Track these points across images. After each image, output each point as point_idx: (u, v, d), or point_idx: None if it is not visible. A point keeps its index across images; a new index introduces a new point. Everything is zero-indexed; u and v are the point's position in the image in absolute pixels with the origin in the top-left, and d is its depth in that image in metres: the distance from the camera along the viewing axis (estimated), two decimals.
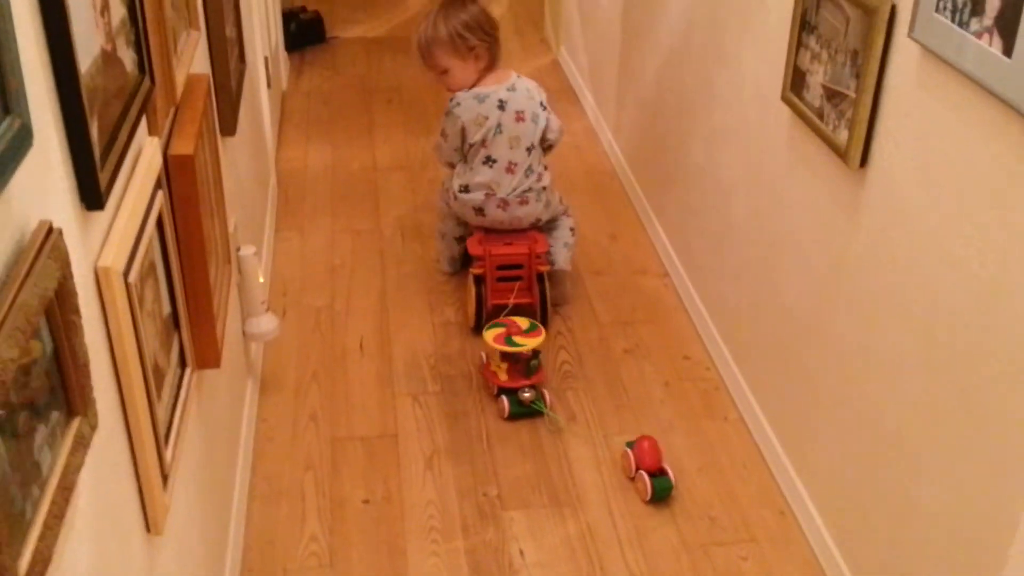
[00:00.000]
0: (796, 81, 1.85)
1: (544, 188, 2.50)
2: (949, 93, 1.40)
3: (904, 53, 1.50)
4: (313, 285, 2.70)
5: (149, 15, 1.26)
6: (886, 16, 1.52)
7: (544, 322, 2.49)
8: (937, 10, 1.38)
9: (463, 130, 2.46)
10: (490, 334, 2.27)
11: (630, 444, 2.07)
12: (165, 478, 1.24)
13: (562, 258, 2.61)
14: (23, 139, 0.79)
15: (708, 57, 2.39)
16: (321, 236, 2.93)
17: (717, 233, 2.38)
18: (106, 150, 1.04)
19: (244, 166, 2.35)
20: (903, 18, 1.50)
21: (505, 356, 2.26)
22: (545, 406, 2.23)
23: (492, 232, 2.51)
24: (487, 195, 2.46)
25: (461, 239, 2.65)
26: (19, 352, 0.76)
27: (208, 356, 1.56)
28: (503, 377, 2.25)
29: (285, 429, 2.20)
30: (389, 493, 2.03)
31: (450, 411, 2.26)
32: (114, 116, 1.10)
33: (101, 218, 1.07)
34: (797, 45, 1.83)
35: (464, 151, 2.49)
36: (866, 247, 1.66)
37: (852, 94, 1.63)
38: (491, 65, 2.50)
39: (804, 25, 1.80)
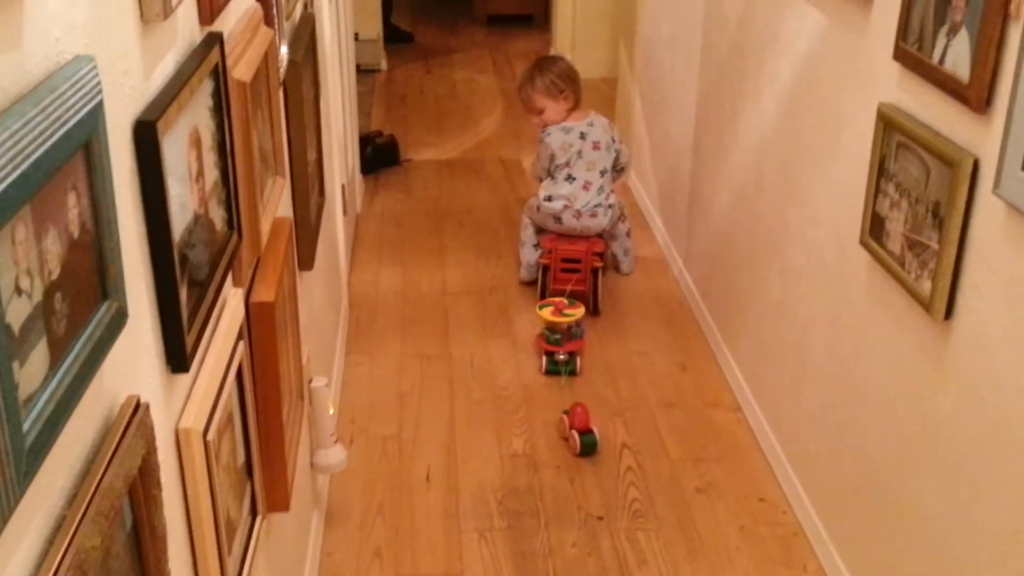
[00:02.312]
0: (875, 226, 1.83)
1: (611, 205, 3.15)
2: None
3: (989, 208, 1.47)
4: (381, 412, 2.70)
5: (240, 174, 1.30)
6: (969, 170, 1.50)
7: (596, 308, 3.13)
8: (1023, 168, 1.36)
9: (552, 155, 3.13)
10: (543, 309, 2.91)
11: (566, 411, 2.54)
12: None
13: (626, 264, 3.37)
14: (119, 322, 0.81)
15: (781, 194, 2.38)
16: (391, 361, 2.94)
17: (793, 371, 2.32)
18: (193, 312, 1.07)
19: (319, 296, 2.39)
20: (987, 173, 1.48)
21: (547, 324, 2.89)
22: (575, 369, 2.83)
23: (563, 236, 3.15)
24: (565, 206, 3.11)
25: (537, 246, 3.26)
26: (102, 539, 0.76)
27: (278, 500, 1.55)
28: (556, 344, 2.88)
29: (349, 565, 2.16)
30: None
31: (517, 550, 2.20)
32: (203, 276, 1.12)
33: (184, 378, 1.08)
34: (875, 191, 1.81)
35: (551, 170, 3.15)
36: (954, 403, 1.60)
37: (935, 245, 1.60)
38: (576, 105, 3.18)
39: (882, 172, 1.79)
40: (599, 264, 3.13)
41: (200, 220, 1.12)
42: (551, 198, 3.13)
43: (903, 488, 1.78)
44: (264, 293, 1.45)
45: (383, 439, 2.59)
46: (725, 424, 2.65)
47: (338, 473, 2.38)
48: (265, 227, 1.48)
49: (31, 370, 0.66)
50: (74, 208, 0.72)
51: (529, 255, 3.28)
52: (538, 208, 3.18)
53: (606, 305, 3.24)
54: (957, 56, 1.53)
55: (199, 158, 1.12)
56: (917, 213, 1.66)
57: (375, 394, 2.79)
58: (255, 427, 1.42)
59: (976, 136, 1.50)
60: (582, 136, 3.11)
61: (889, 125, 1.75)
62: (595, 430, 2.49)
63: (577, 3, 5.71)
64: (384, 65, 5.78)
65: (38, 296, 0.66)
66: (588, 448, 2.48)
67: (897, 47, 1.73)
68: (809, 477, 2.24)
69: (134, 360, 0.91)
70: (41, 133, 0.65)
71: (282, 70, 1.81)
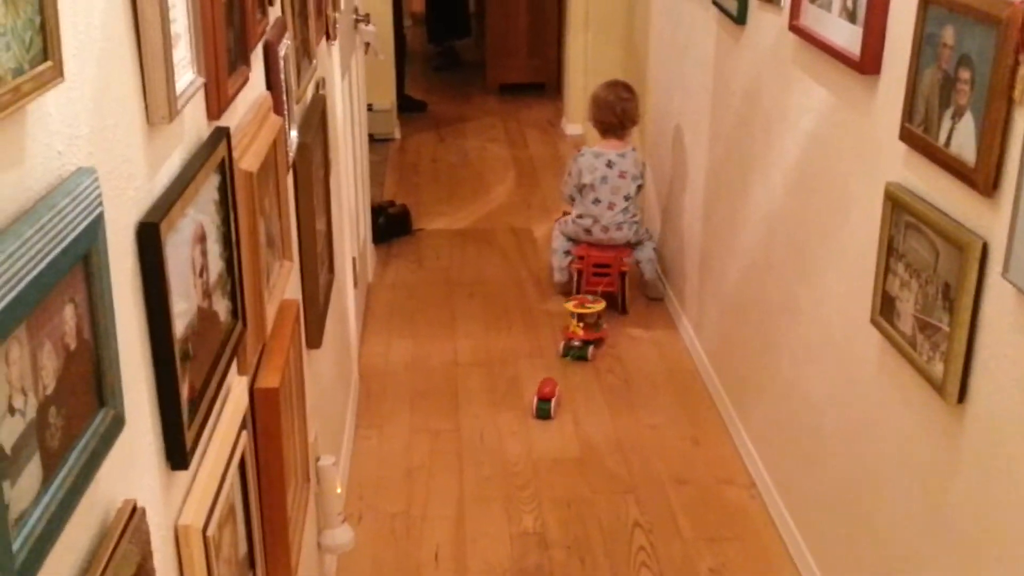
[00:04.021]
0: (885, 306, 1.81)
1: (636, 221, 3.62)
2: None
3: (999, 292, 1.46)
4: (390, 488, 2.67)
5: (246, 264, 1.31)
6: (978, 254, 1.49)
7: (624, 307, 3.59)
8: None
9: (580, 172, 3.56)
10: (569, 302, 3.41)
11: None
12: None
13: (649, 270, 3.69)
14: (115, 429, 0.80)
15: (791, 269, 2.37)
16: (400, 435, 2.92)
17: (807, 449, 2.29)
18: (194, 407, 1.06)
19: (328, 372, 2.39)
20: (996, 256, 1.47)
21: (571, 315, 3.37)
22: (585, 355, 3.29)
23: (591, 245, 3.62)
24: (594, 221, 3.57)
25: (568, 253, 3.71)
26: None
27: None
28: (578, 332, 3.34)
29: None
30: None
31: None
32: (205, 370, 1.12)
33: (185, 474, 1.07)
34: (885, 270, 1.80)
35: (580, 189, 3.58)
36: (967, 489, 1.57)
37: (946, 327, 1.59)
38: (610, 128, 3.60)
39: (891, 251, 1.78)
40: (626, 268, 3.61)
41: (203, 314, 1.12)
42: (582, 216, 3.60)
43: (919, 573, 1.74)
44: (269, 379, 1.44)
45: (391, 516, 2.56)
46: (739, 501, 2.61)
47: (345, 553, 2.34)
48: (271, 313, 1.49)
49: (23, 488, 0.65)
50: (71, 320, 0.72)
51: (560, 261, 3.73)
52: (571, 223, 3.66)
53: (616, 377, 3.22)
54: (963, 139, 1.53)
55: (203, 252, 1.12)
56: (927, 294, 1.65)
57: (384, 469, 2.77)
58: (258, 516, 1.40)
59: (984, 219, 1.50)
60: (609, 164, 3.54)
61: (897, 205, 1.75)
62: (553, 401, 2.97)
63: (588, 72, 5.78)
64: (397, 134, 5.85)
65: (32, 413, 0.66)
66: (541, 413, 2.96)
67: (903, 128, 1.73)
68: (825, 558, 2.20)
69: (131, 462, 0.90)
70: (39, 252, 0.65)
71: (292, 154, 1.84)
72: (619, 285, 3.59)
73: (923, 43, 1.66)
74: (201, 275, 1.12)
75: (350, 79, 3.33)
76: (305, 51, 2.12)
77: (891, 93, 1.81)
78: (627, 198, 3.56)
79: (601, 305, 3.36)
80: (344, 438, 2.74)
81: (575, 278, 3.62)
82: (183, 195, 1.03)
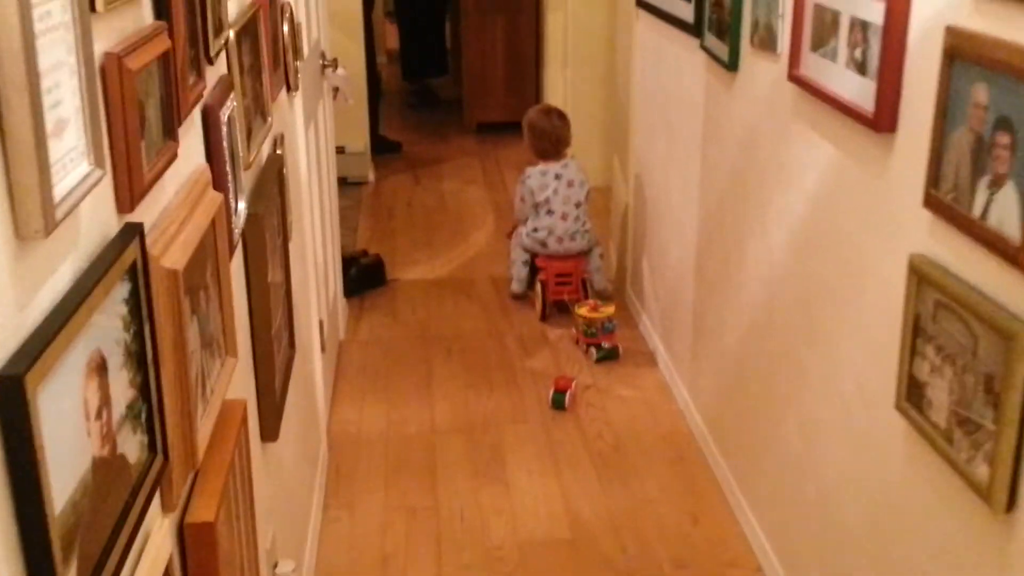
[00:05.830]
0: (912, 392, 1.61)
1: (587, 230, 3.83)
2: None
3: None
4: None
5: (168, 383, 1.08)
6: None
7: None
8: None
9: (532, 192, 3.78)
10: (581, 308, 3.54)
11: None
12: None
13: (598, 280, 3.89)
14: None
15: (797, 336, 2.17)
16: (373, 515, 2.68)
17: (821, 535, 2.08)
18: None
19: (289, 461, 2.15)
20: None
21: (583, 320, 3.53)
22: (616, 354, 3.48)
23: (551, 257, 3.80)
24: (549, 233, 3.77)
25: (526, 263, 3.91)
26: None
27: None
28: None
29: None
30: None
31: None
32: (106, 532, 0.90)
33: None
34: (911, 352, 1.60)
35: (534, 206, 3.80)
36: None
37: (990, 425, 1.38)
38: (547, 154, 3.84)
39: (918, 331, 1.58)
40: (587, 276, 3.85)
41: (101, 465, 0.89)
42: (537, 229, 3.79)
43: None
44: (202, 512, 1.22)
45: None
46: None
47: None
48: (205, 430, 1.26)
49: None
50: None
51: (519, 271, 3.92)
52: (527, 236, 3.83)
53: (606, 443, 3.00)
54: (1003, 212, 1.33)
55: (102, 387, 0.90)
56: (965, 384, 1.45)
57: (355, 555, 2.53)
58: None
59: None
60: (557, 177, 3.79)
61: (924, 280, 1.55)
62: (568, 394, 3.16)
63: (568, 111, 5.59)
64: (371, 177, 5.64)
65: None
66: (556, 403, 3.16)
67: (928, 194, 1.53)
68: None
69: None
70: None
71: (238, 229, 1.62)
72: (582, 293, 3.78)
73: (948, 101, 1.47)
74: (99, 416, 0.90)
75: (316, 128, 3.12)
76: (258, 109, 1.91)
77: (911, 154, 1.61)
78: (578, 205, 3.77)
79: (611, 309, 3.52)
80: (311, 522, 2.50)
81: (540, 290, 3.77)
82: (70, 322, 0.82)
